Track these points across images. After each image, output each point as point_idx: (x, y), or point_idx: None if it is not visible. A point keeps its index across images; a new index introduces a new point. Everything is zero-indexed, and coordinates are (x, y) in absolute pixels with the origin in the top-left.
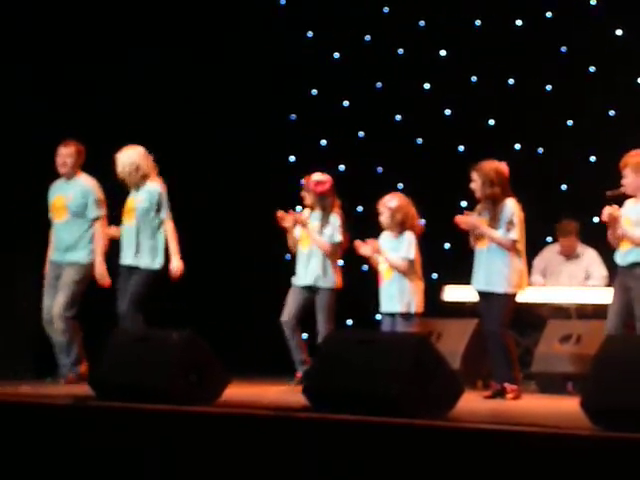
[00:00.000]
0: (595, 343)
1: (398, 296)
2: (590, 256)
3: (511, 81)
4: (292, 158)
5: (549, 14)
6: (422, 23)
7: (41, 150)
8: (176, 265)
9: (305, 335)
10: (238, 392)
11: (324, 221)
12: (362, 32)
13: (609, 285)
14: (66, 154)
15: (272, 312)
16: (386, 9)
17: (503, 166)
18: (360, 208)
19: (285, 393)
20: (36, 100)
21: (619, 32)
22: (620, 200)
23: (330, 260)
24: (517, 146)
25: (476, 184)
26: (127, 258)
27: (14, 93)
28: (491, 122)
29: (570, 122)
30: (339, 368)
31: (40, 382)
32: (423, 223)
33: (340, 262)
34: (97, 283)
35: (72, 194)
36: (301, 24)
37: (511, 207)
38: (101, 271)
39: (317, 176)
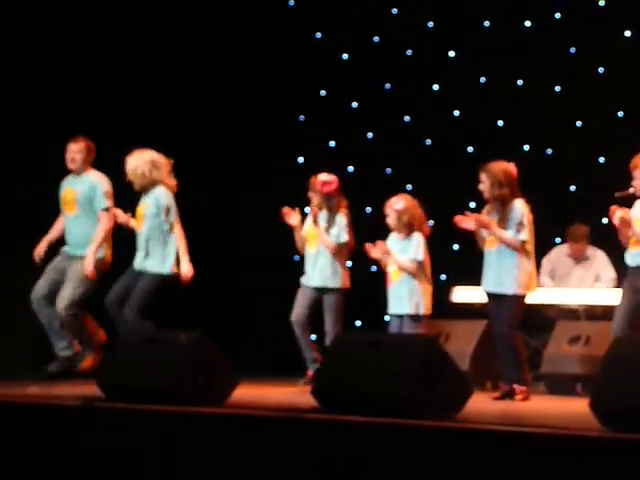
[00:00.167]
0: (604, 344)
1: (407, 298)
2: (599, 258)
3: (520, 82)
4: (301, 159)
5: (558, 15)
6: (431, 24)
7: (41, 150)
8: (186, 269)
9: (313, 336)
10: (245, 393)
11: (331, 221)
12: (371, 33)
13: (619, 286)
14: (75, 150)
15: (272, 312)
16: (395, 10)
17: (512, 167)
18: (369, 209)
19: (293, 394)
20: (36, 100)
21: (628, 33)
22: (629, 201)
23: (338, 261)
24: (526, 147)
25: (485, 185)
26: (137, 263)
27: (14, 93)
28: (500, 123)
29: (579, 123)
30: (348, 369)
31: (44, 382)
32: (431, 224)
33: (349, 263)
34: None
35: (81, 188)
36: (310, 25)
37: (520, 208)
38: (90, 261)
39: (323, 176)
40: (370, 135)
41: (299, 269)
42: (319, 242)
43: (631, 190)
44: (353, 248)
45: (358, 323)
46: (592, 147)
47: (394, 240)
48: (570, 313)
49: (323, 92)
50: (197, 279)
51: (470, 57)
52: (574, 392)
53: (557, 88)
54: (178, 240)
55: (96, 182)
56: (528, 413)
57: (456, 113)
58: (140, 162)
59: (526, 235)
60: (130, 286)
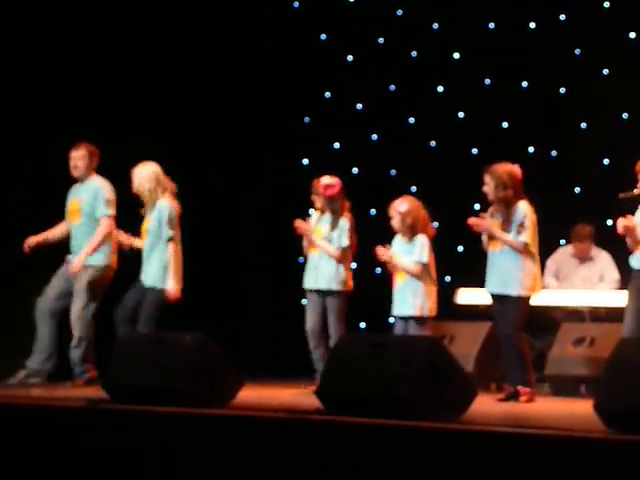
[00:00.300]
0: (609, 346)
1: (411, 299)
2: (604, 259)
3: (525, 84)
4: (305, 161)
5: (562, 17)
6: (435, 26)
7: (41, 150)
8: (169, 288)
9: None
10: (248, 394)
11: (334, 224)
12: (375, 35)
13: (622, 288)
14: (77, 157)
15: (272, 312)
16: (400, 12)
17: (516, 169)
18: (373, 211)
19: (297, 395)
20: (36, 100)
21: (632, 35)
22: (633, 202)
23: (341, 263)
24: (531, 149)
25: (489, 187)
26: (142, 277)
27: (14, 93)
28: (505, 125)
29: (584, 125)
30: (352, 371)
31: (53, 385)
32: (435, 226)
33: (353, 265)
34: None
35: (85, 196)
36: (314, 27)
37: (523, 210)
38: (76, 263)
39: (326, 179)
40: (375, 137)
41: (300, 269)
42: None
43: (636, 191)
44: (356, 250)
45: (362, 325)
46: (597, 149)
47: (399, 242)
48: (575, 314)
49: (328, 94)
50: (196, 279)
51: (475, 59)
52: (578, 394)
53: (562, 90)
54: (168, 255)
55: (99, 189)
56: (533, 415)
57: (461, 115)
58: (145, 177)
59: (527, 236)
60: (139, 301)
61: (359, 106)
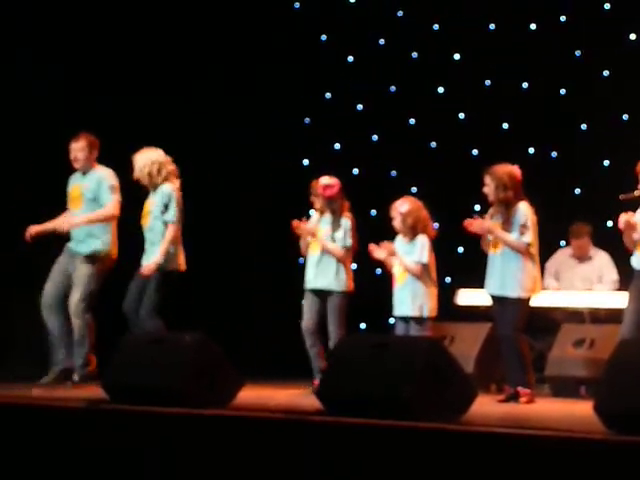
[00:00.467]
0: (609, 347)
1: (411, 300)
2: (602, 259)
3: (525, 85)
4: (306, 162)
5: (563, 18)
6: (436, 27)
7: (41, 150)
8: (146, 263)
9: None
10: (248, 394)
11: (335, 225)
12: (376, 36)
13: (620, 289)
14: (77, 149)
15: (272, 312)
16: (400, 12)
17: (516, 170)
18: (374, 212)
19: (297, 396)
20: (36, 100)
21: (633, 36)
22: (634, 204)
23: (342, 263)
24: (531, 150)
25: (489, 188)
26: (144, 261)
27: (14, 93)
28: (505, 126)
29: (584, 126)
30: (352, 372)
31: (53, 385)
32: (436, 227)
33: (353, 266)
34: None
35: (88, 184)
36: (315, 28)
37: (524, 211)
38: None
39: (325, 180)
40: (375, 137)
41: (300, 270)
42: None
43: (636, 193)
44: (357, 251)
45: (363, 326)
46: (597, 150)
47: (400, 243)
48: (575, 315)
49: (328, 94)
50: (196, 279)
51: (475, 59)
52: (578, 395)
53: (562, 91)
54: (165, 237)
55: (102, 177)
56: (532, 416)
57: (461, 116)
58: (148, 161)
59: (530, 237)
60: (142, 288)
61: (359, 107)
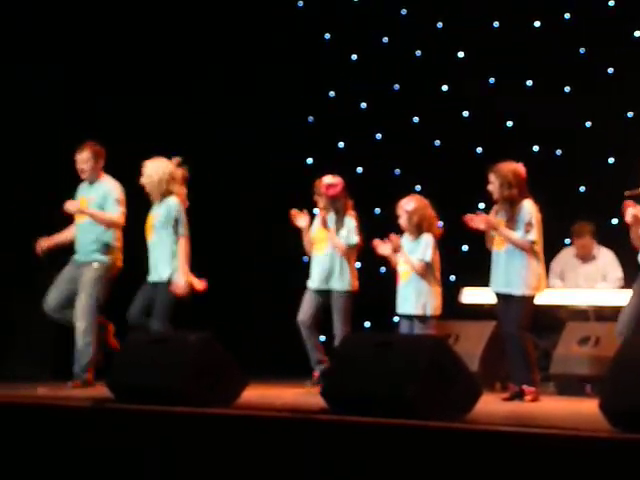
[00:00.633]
0: (614, 345)
1: (414, 298)
2: (607, 257)
3: (529, 82)
4: (310, 160)
5: (567, 15)
6: (440, 25)
7: (41, 150)
8: (176, 281)
9: (322, 337)
10: (252, 394)
11: (339, 223)
12: (380, 34)
13: (624, 287)
14: (82, 160)
15: (272, 312)
16: (404, 11)
17: (520, 167)
18: (377, 210)
19: (301, 395)
20: (36, 100)
21: (638, 33)
22: (639, 200)
23: (347, 262)
24: (535, 148)
25: (493, 185)
26: (151, 275)
27: (14, 93)
28: (509, 124)
29: (588, 124)
30: (356, 370)
31: (57, 384)
32: (440, 225)
33: (358, 264)
34: None
35: (94, 196)
36: (318, 26)
37: (528, 208)
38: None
39: (328, 179)
40: (379, 136)
41: (299, 269)
42: (328, 244)
43: None
44: (361, 249)
45: (367, 324)
46: (601, 148)
47: (406, 241)
48: (579, 314)
49: (332, 93)
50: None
51: (479, 58)
52: (583, 393)
53: (566, 89)
54: (179, 252)
55: (109, 190)
56: (537, 414)
57: (465, 114)
58: (159, 171)
59: (534, 235)
60: (149, 299)
61: (363, 105)
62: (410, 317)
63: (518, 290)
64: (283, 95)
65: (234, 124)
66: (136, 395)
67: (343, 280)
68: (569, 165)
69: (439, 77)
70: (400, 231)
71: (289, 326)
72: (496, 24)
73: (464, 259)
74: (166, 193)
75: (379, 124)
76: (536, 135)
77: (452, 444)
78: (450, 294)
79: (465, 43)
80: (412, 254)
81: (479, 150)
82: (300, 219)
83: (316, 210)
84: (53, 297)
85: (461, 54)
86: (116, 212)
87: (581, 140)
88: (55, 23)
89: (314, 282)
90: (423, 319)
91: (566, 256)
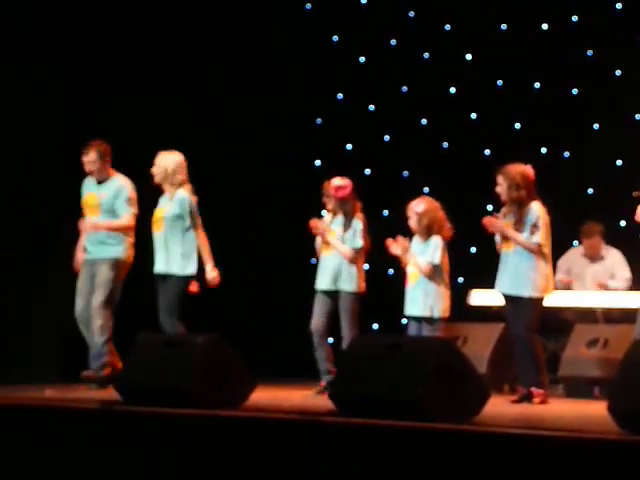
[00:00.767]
0: (622, 347)
1: (422, 300)
2: (615, 257)
3: (537, 85)
4: (318, 162)
5: (575, 18)
6: (448, 27)
7: (41, 150)
8: (211, 275)
9: (330, 339)
10: (260, 396)
11: (346, 226)
12: (388, 36)
13: (633, 288)
14: (89, 162)
15: (272, 312)
16: (412, 13)
17: (529, 169)
18: (386, 212)
19: (308, 397)
20: (36, 100)
21: None
22: None
23: (354, 264)
24: (543, 150)
25: (502, 187)
26: (158, 266)
27: (14, 93)
28: (517, 126)
29: (596, 126)
30: (365, 372)
31: (65, 386)
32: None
33: (366, 266)
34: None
35: (105, 193)
36: (327, 28)
37: (536, 210)
38: (95, 224)
39: (337, 181)
40: (387, 138)
41: (299, 270)
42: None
43: None
44: (369, 251)
45: (375, 326)
46: (609, 149)
47: (415, 243)
48: (588, 316)
49: (340, 95)
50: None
51: (487, 60)
52: (592, 395)
53: (574, 91)
54: (202, 244)
55: (121, 188)
56: (546, 416)
57: (473, 116)
58: (170, 161)
59: (540, 237)
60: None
61: (371, 107)
62: (418, 319)
63: (526, 292)
64: (286, 96)
65: (234, 124)
66: (144, 397)
67: (351, 282)
68: (577, 167)
69: (447, 79)
70: (409, 232)
71: (289, 326)
72: (504, 26)
73: (472, 261)
74: (177, 185)
75: (387, 126)
76: (544, 137)
77: (460, 446)
78: (458, 296)
79: (473, 45)
80: (421, 256)
81: (487, 152)
82: (318, 229)
83: (324, 212)
84: (81, 306)
85: (469, 56)
86: (126, 214)
87: (589, 142)
88: (55, 23)
89: (322, 283)
90: (431, 321)
91: (574, 255)
